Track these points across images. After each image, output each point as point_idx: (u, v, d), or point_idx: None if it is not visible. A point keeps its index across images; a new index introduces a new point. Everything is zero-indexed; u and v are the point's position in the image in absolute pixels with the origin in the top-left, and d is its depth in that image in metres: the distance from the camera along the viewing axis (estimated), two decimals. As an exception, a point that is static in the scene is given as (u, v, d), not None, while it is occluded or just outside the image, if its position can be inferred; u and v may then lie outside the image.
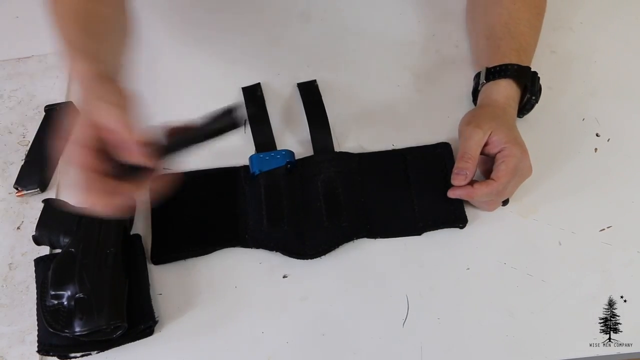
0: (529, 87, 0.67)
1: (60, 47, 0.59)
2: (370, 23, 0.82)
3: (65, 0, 0.62)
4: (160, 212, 0.67)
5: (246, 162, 0.69)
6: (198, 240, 0.65)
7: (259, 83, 0.76)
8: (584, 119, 0.73)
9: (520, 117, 0.69)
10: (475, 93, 0.70)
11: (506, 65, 0.66)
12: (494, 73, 0.67)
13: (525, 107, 0.69)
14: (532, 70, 0.67)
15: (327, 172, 0.67)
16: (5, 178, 0.71)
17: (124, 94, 0.53)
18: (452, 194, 0.63)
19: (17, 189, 0.69)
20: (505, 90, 0.66)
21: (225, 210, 0.66)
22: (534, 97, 0.68)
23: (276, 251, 0.64)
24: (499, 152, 0.61)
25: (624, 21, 0.81)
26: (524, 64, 0.67)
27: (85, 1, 0.63)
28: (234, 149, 0.70)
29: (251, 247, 0.65)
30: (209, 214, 0.66)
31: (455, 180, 0.62)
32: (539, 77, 0.68)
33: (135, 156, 0.49)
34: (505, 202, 0.66)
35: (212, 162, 0.70)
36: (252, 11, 0.84)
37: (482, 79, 0.68)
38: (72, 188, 0.50)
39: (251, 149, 0.70)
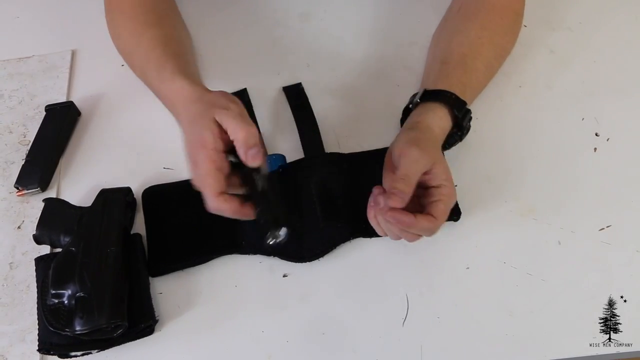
0: (459, 120, 0.64)
1: (153, 72, 0.66)
2: (370, 23, 0.82)
3: (139, 30, 0.69)
4: (154, 224, 0.66)
5: None
6: (194, 250, 0.65)
7: (245, 89, 0.76)
8: (583, 119, 0.73)
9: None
10: (406, 111, 0.68)
11: (446, 91, 0.64)
12: (431, 95, 0.64)
13: (447, 141, 0.65)
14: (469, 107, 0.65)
15: (319, 173, 0.67)
16: (6, 177, 0.71)
17: (231, 98, 0.59)
18: (391, 216, 0.56)
19: (17, 188, 0.69)
20: (441, 121, 0.63)
21: (219, 219, 0.65)
22: (459, 133, 0.66)
23: (274, 256, 0.64)
24: (437, 187, 0.58)
25: (623, 21, 0.81)
26: (466, 100, 0.65)
27: (159, 26, 0.69)
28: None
29: (248, 254, 0.64)
30: (203, 224, 0.65)
31: (392, 200, 0.56)
32: (470, 117, 0.66)
33: (256, 156, 0.55)
34: None
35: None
36: (252, 11, 0.84)
37: (417, 98, 0.65)
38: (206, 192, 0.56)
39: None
